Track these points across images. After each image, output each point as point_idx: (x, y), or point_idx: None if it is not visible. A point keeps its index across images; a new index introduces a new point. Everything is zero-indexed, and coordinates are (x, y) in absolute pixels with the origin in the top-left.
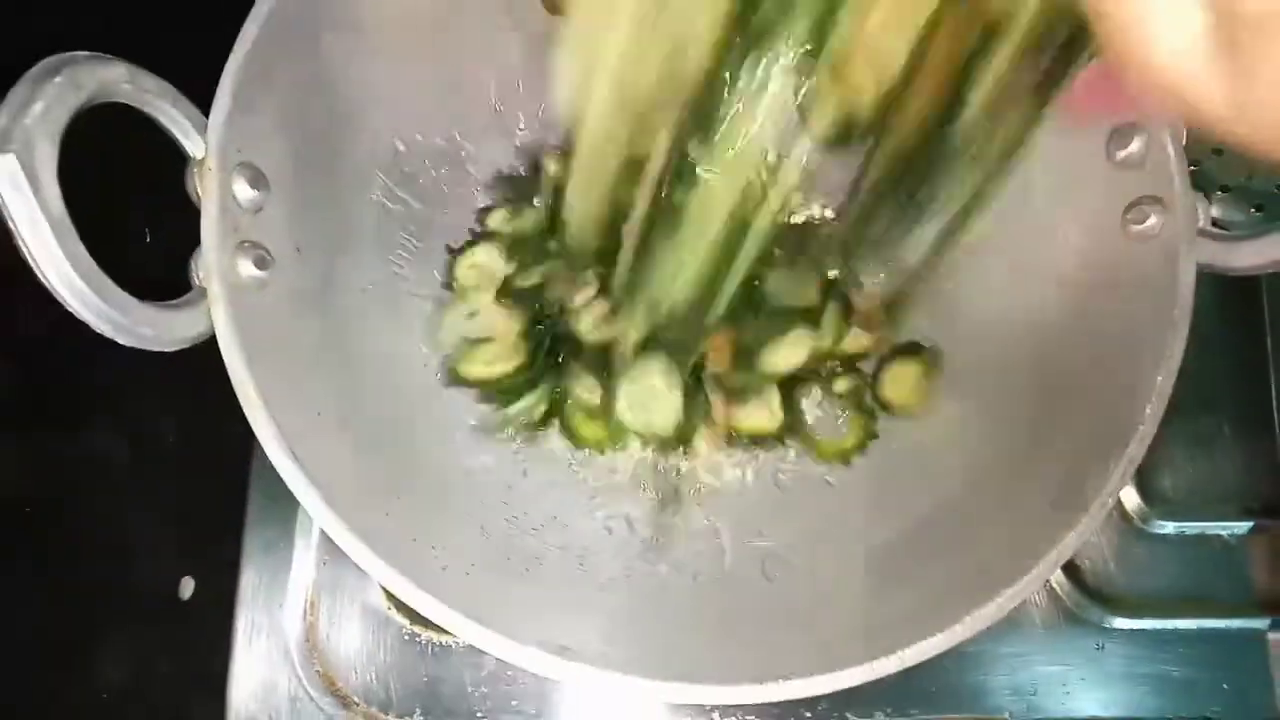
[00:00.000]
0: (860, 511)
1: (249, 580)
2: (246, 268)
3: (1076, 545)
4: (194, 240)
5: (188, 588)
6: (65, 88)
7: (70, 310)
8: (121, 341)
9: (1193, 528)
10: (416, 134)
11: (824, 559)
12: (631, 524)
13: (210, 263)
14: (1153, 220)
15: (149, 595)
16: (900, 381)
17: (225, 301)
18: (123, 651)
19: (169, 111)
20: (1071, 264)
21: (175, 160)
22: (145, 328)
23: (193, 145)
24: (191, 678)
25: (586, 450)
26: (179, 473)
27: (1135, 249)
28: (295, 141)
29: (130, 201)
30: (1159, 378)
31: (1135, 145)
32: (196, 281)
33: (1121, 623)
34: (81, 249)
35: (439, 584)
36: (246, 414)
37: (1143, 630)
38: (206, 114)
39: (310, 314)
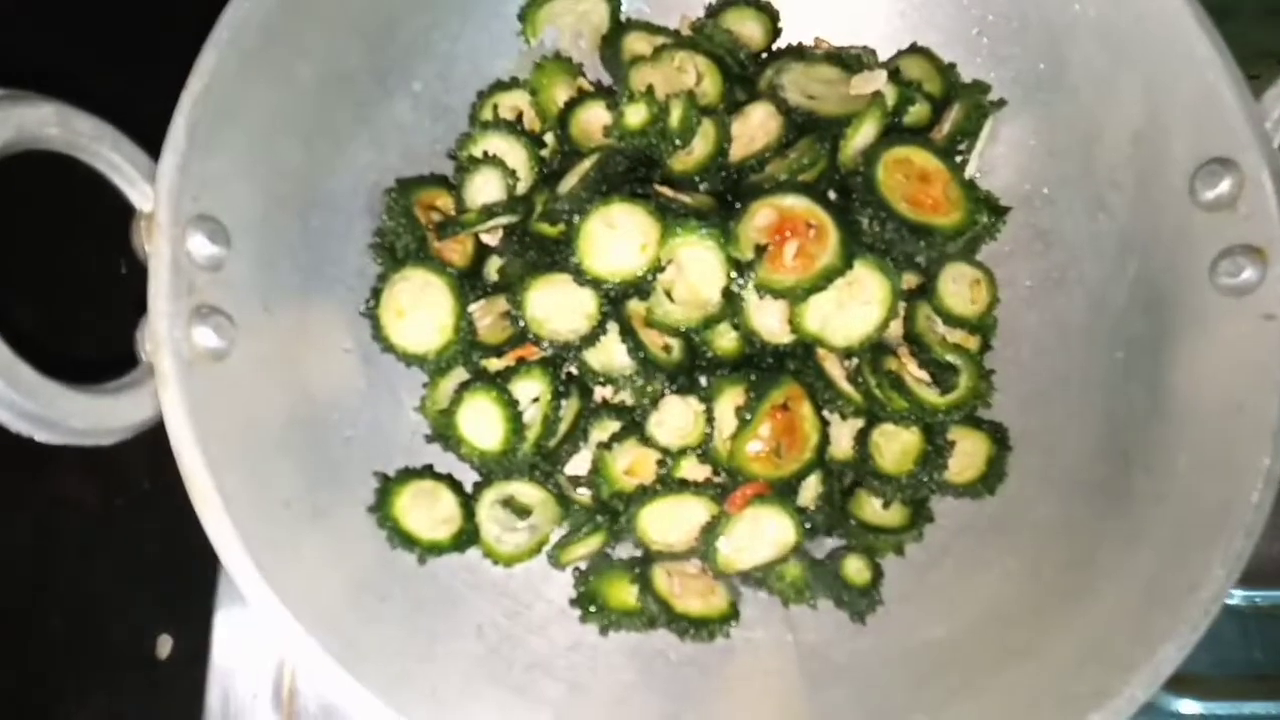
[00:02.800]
0: (911, 603)
1: (221, 636)
2: (203, 336)
3: (1179, 660)
4: (140, 307)
5: (165, 646)
6: None
7: None
8: (42, 439)
9: (1267, 597)
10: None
11: (868, 654)
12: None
13: (159, 333)
14: (1248, 274)
15: (124, 654)
16: (963, 458)
17: (176, 379)
18: (96, 714)
19: (109, 157)
20: (1146, 323)
21: (118, 213)
22: (75, 419)
23: (139, 196)
24: None
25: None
26: (156, 521)
27: (1226, 306)
28: (264, 184)
29: (61, 264)
30: (1265, 459)
31: (1226, 184)
32: (143, 357)
33: (1191, 707)
34: None
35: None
36: (200, 517)
37: (1215, 716)
38: (156, 158)
39: (278, 386)
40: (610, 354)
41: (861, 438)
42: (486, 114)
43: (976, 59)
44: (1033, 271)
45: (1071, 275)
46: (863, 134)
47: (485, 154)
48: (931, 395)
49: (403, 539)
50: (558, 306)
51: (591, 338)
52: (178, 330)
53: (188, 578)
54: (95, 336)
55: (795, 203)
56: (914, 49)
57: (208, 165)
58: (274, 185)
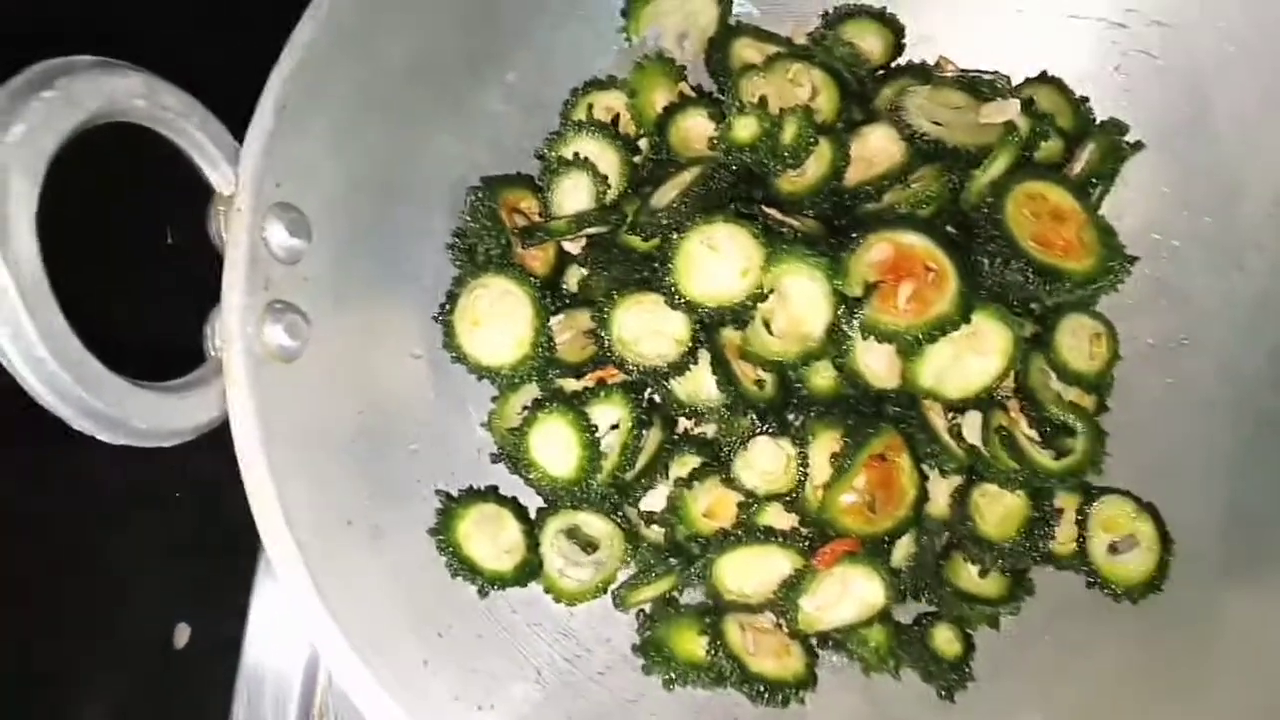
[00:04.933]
0: (1004, 683)
1: (255, 630)
2: (276, 335)
3: None
4: (212, 298)
5: (183, 635)
6: (58, 105)
7: (38, 402)
8: (105, 439)
9: None
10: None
11: None
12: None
13: (232, 329)
14: None
15: (140, 640)
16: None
17: (246, 379)
18: (109, 701)
19: (193, 135)
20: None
21: (195, 195)
22: (139, 420)
23: (220, 178)
24: None
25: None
26: (186, 507)
27: None
28: (350, 172)
29: (134, 246)
30: None
31: None
32: (212, 352)
33: None
34: (60, 321)
35: None
36: (259, 524)
37: None
38: (240, 139)
39: (346, 391)
40: (698, 384)
41: (960, 496)
42: (580, 113)
43: (1110, 95)
44: (1156, 329)
45: (1199, 338)
46: (996, 168)
47: (576, 156)
48: (1044, 458)
49: (464, 567)
50: (646, 328)
51: (680, 365)
52: (250, 326)
53: (210, 568)
54: (162, 329)
55: (915, 241)
56: (1044, 78)
57: (293, 150)
58: (357, 174)
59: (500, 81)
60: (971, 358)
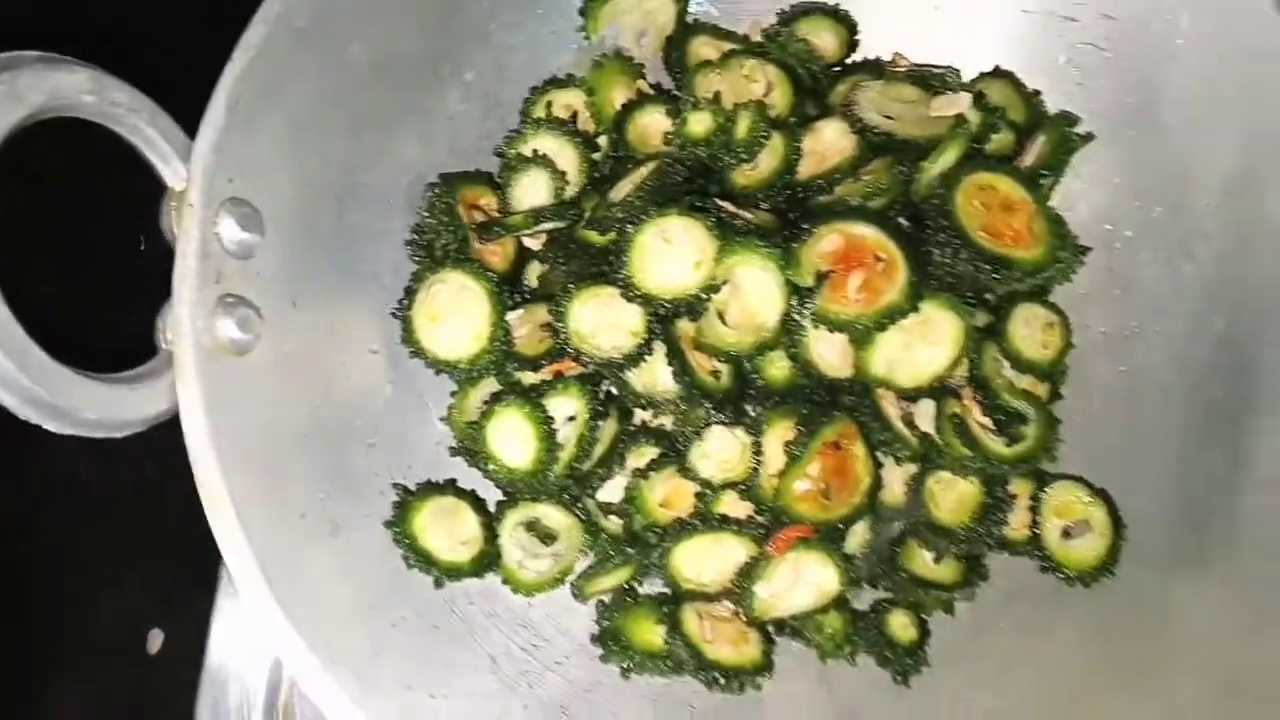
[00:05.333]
0: (960, 668)
1: (219, 635)
2: (227, 329)
3: None
4: (164, 292)
5: (156, 640)
6: (1, 99)
7: None
8: (52, 429)
9: None
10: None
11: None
12: None
13: (182, 322)
14: None
15: (113, 645)
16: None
17: (196, 372)
18: (82, 706)
19: (144, 131)
20: (1230, 386)
21: (148, 189)
22: (87, 410)
23: (172, 173)
24: None
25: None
26: (158, 511)
27: None
28: (303, 170)
29: (84, 241)
30: None
31: None
32: (163, 345)
33: None
34: (4, 311)
35: None
36: (209, 519)
37: None
38: (192, 135)
39: (301, 386)
40: (654, 375)
41: (915, 484)
42: (539, 111)
43: (1061, 87)
44: (1108, 319)
45: (1151, 327)
46: (945, 160)
47: (535, 153)
48: (997, 445)
49: (420, 558)
50: (602, 321)
51: (635, 357)
52: (200, 320)
53: (185, 572)
54: (113, 321)
55: (865, 231)
56: (997, 73)
57: (246, 146)
58: (314, 172)
59: (459, 81)
60: (923, 347)
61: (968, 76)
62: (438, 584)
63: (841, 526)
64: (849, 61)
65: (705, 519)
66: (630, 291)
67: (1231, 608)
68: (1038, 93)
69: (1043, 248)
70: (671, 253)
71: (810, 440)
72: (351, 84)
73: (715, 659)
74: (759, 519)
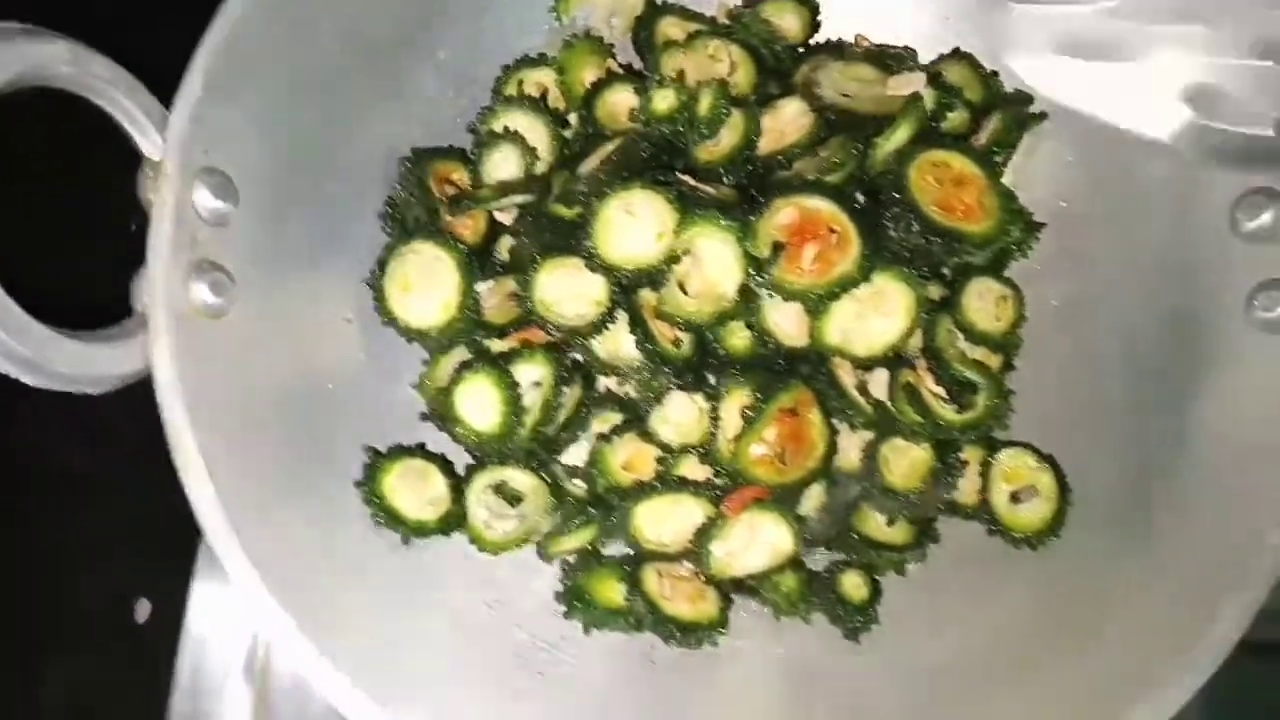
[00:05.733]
0: (910, 626)
1: (198, 606)
2: (200, 292)
3: (1182, 702)
4: (140, 257)
5: (144, 610)
6: None
7: None
8: (28, 381)
9: None
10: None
11: (860, 675)
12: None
13: (156, 284)
14: None
15: (100, 616)
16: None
17: (168, 333)
18: (69, 675)
19: (121, 102)
20: (1178, 355)
21: (126, 159)
22: (62, 364)
23: (148, 144)
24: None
25: None
26: (141, 482)
27: (1262, 341)
28: (278, 143)
29: (62, 206)
30: None
31: (1269, 216)
32: (138, 308)
33: None
34: None
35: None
36: (181, 476)
37: None
38: (169, 105)
39: (274, 351)
40: (618, 343)
41: (870, 450)
42: (510, 89)
43: (1019, 68)
44: (1062, 292)
45: (1102, 299)
46: (898, 136)
47: (506, 129)
48: (947, 411)
49: (388, 516)
50: (567, 290)
51: (599, 325)
52: (175, 283)
53: (170, 541)
54: (93, 284)
55: (819, 205)
56: (956, 54)
57: (222, 118)
58: (288, 145)
59: (432, 59)
60: (876, 317)
61: (929, 58)
62: (405, 540)
63: (796, 489)
64: (812, 42)
65: (665, 481)
66: (594, 262)
67: (1172, 567)
68: (995, 74)
69: (993, 221)
70: (634, 224)
71: (766, 405)
72: (325, 60)
73: (673, 615)
74: (717, 482)
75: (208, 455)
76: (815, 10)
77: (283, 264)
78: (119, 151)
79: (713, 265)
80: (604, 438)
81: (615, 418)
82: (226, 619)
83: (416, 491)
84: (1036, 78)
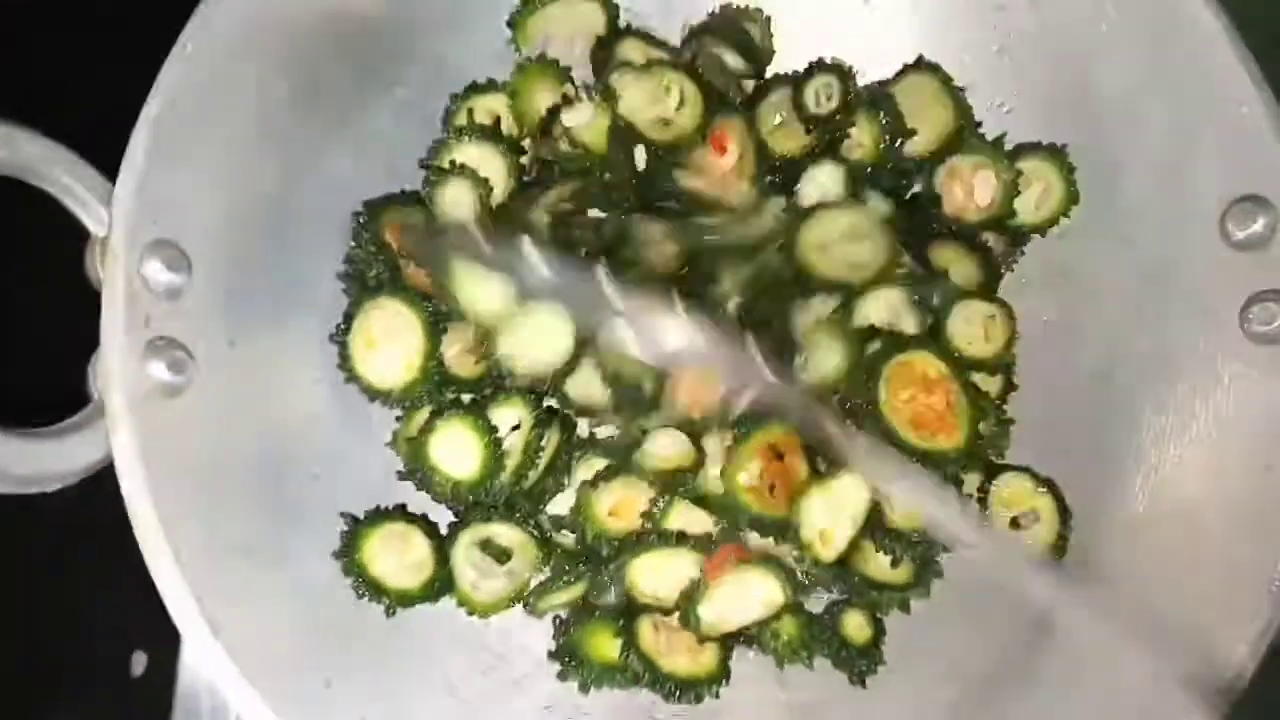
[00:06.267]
0: (916, 663)
1: (190, 651)
2: (159, 371)
3: None
4: (92, 340)
5: (140, 663)
6: None
7: None
8: None
9: None
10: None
11: (868, 716)
12: None
13: (111, 368)
14: None
15: (97, 669)
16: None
17: (128, 418)
18: None
19: (61, 180)
20: (1170, 368)
21: (71, 239)
22: (16, 467)
23: (94, 221)
24: None
25: None
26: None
27: (1256, 355)
28: (231, 206)
29: (8, 294)
30: None
31: (1260, 224)
32: (94, 394)
33: None
34: None
35: None
36: (150, 568)
37: None
38: (112, 179)
39: (241, 421)
40: (590, 386)
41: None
42: (460, 119)
43: (994, 79)
44: (1052, 307)
45: (1090, 314)
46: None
47: (453, 164)
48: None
49: (370, 587)
50: (528, 342)
51: (564, 372)
52: (130, 365)
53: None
54: (42, 373)
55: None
56: (920, 64)
57: (168, 187)
58: (242, 204)
59: (391, 100)
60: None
61: (895, 68)
62: (389, 612)
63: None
64: (768, 76)
65: (661, 534)
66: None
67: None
68: (963, 89)
69: (964, 431)
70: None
71: (750, 433)
72: (276, 112)
73: (670, 671)
74: (711, 532)
75: (175, 544)
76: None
77: (244, 328)
78: (62, 231)
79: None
80: (589, 484)
81: (599, 463)
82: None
83: (399, 557)
84: (1014, 86)
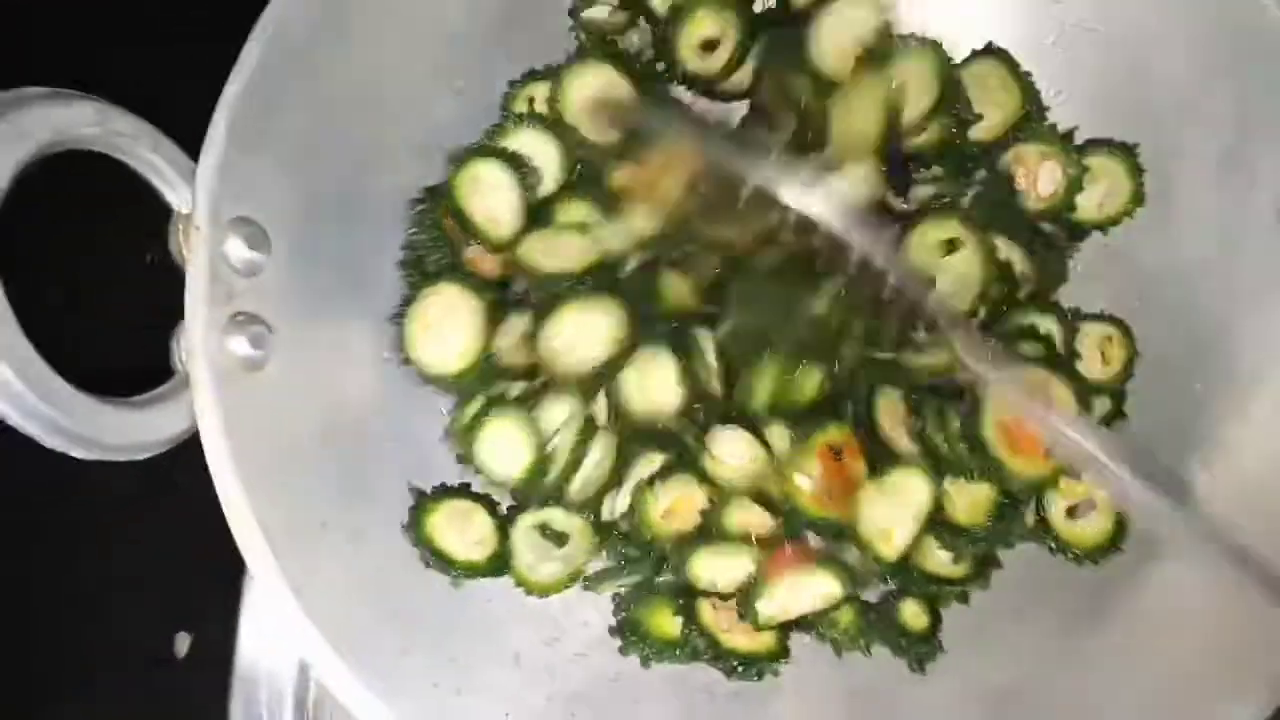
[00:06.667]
0: (974, 649)
1: (248, 633)
2: (240, 346)
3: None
4: (176, 314)
5: (184, 643)
6: (9, 137)
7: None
8: (77, 455)
9: None
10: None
11: (925, 699)
12: None
13: (195, 342)
14: None
15: (140, 649)
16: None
17: (212, 390)
18: (111, 712)
19: (148, 158)
20: (1228, 358)
21: (156, 215)
22: (109, 434)
23: (177, 198)
24: None
25: None
26: (181, 512)
27: None
28: (306, 187)
29: (96, 268)
30: None
31: None
32: (179, 366)
33: None
34: (20, 339)
35: None
36: (233, 532)
37: None
38: (195, 159)
39: (316, 396)
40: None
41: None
42: (520, 105)
43: (1050, 69)
44: (1107, 295)
45: (1148, 301)
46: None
47: (503, 151)
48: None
49: (437, 558)
50: (581, 335)
51: (615, 364)
52: (214, 339)
53: (209, 573)
54: (130, 346)
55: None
56: (989, 49)
57: (249, 166)
58: (317, 186)
59: (451, 89)
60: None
61: (960, 55)
62: (455, 583)
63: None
64: None
65: (720, 532)
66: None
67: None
68: (1029, 74)
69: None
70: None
71: (811, 433)
72: (346, 97)
73: (732, 648)
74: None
75: (259, 512)
76: None
77: (318, 307)
78: (148, 208)
79: None
80: (645, 484)
81: (658, 459)
82: (275, 656)
83: (461, 532)
84: (1069, 76)
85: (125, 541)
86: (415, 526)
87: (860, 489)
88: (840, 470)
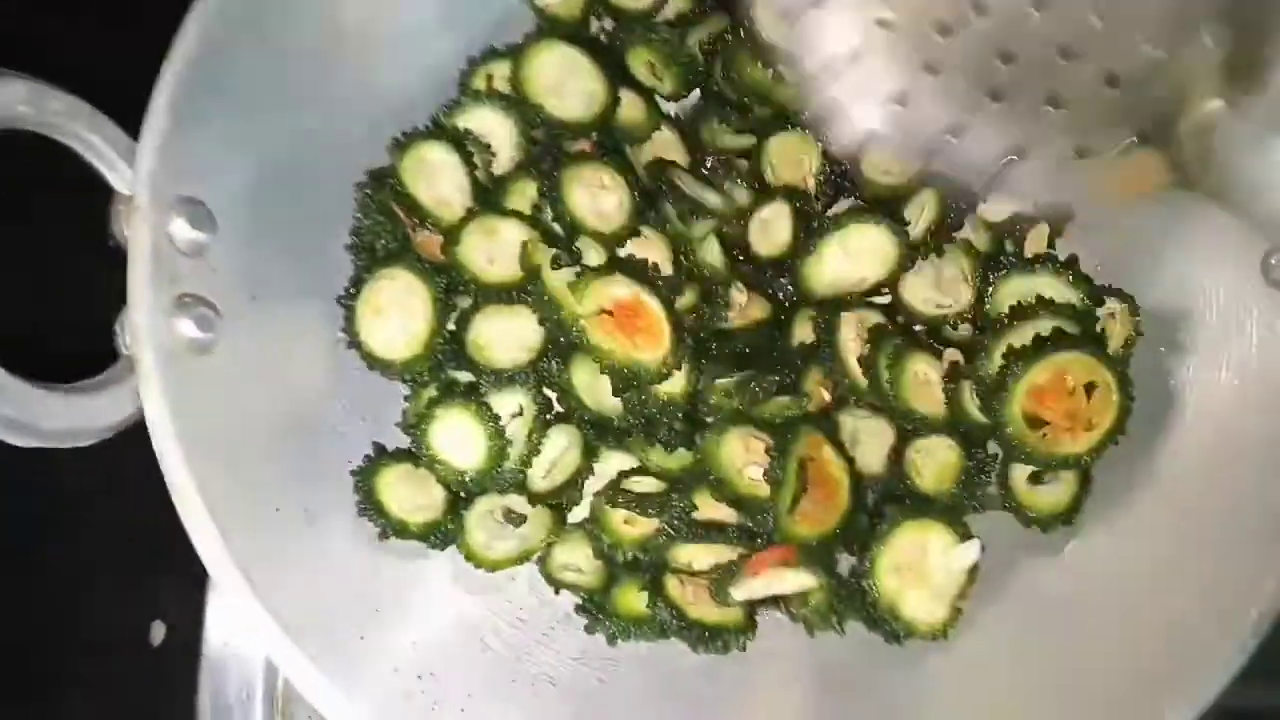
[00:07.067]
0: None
1: (215, 622)
2: (186, 328)
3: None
4: (119, 298)
5: (159, 632)
6: None
7: None
8: (17, 443)
9: None
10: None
11: (894, 671)
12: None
13: (139, 325)
14: None
15: (115, 639)
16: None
17: (158, 374)
18: (86, 701)
19: (86, 138)
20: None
21: (95, 196)
22: (48, 421)
23: (118, 178)
24: None
25: None
26: (153, 500)
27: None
28: (253, 166)
29: (34, 253)
30: None
31: None
32: (123, 350)
33: None
34: None
35: None
36: (184, 521)
37: None
38: (136, 138)
39: (267, 379)
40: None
41: (896, 455)
42: (479, 83)
43: None
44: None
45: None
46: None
47: (455, 129)
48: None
49: (373, 507)
50: (503, 333)
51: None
52: (159, 321)
53: (182, 563)
54: (71, 330)
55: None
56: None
57: (191, 144)
58: (264, 165)
59: (408, 56)
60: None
61: None
62: (382, 535)
63: (835, 535)
64: None
65: (693, 529)
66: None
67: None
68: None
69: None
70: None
71: (786, 461)
72: (295, 71)
73: (697, 618)
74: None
75: (209, 498)
76: None
77: (266, 288)
78: (88, 188)
79: None
80: (604, 494)
81: (619, 459)
82: (244, 643)
83: (412, 495)
84: None
85: (95, 533)
86: (364, 476)
87: (840, 479)
88: (815, 469)
